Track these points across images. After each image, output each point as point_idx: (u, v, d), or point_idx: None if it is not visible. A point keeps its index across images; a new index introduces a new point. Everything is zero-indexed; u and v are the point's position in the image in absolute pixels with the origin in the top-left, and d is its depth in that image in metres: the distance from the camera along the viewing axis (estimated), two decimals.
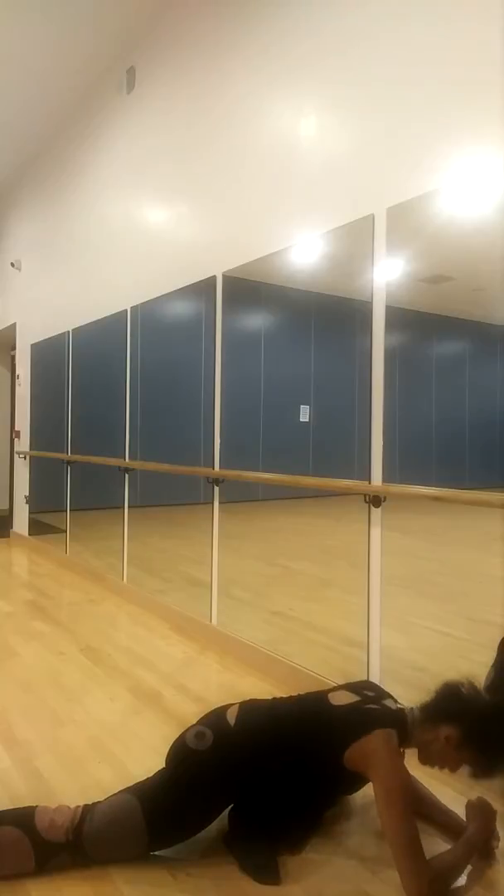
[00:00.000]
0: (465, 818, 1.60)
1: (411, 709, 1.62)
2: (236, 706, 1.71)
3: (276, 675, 2.73)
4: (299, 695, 1.81)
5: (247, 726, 1.63)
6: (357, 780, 1.60)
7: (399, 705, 1.67)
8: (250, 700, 1.76)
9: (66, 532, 5.11)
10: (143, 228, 4.03)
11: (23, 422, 6.22)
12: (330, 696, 1.70)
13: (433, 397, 2.16)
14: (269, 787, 1.58)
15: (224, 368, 3.20)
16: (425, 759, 1.56)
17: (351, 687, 1.75)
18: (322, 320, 2.68)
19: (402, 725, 1.57)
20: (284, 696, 1.86)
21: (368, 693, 1.71)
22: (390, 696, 1.73)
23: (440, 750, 1.52)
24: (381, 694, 1.73)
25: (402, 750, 1.55)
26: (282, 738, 1.61)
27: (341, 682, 2.40)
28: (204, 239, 3.40)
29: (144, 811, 1.52)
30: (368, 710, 1.64)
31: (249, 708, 1.70)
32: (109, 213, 4.51)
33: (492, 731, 1.47)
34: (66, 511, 5.11)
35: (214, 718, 1.67)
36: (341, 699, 1.68)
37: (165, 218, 3.79)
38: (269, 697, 1.86)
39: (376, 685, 1.79)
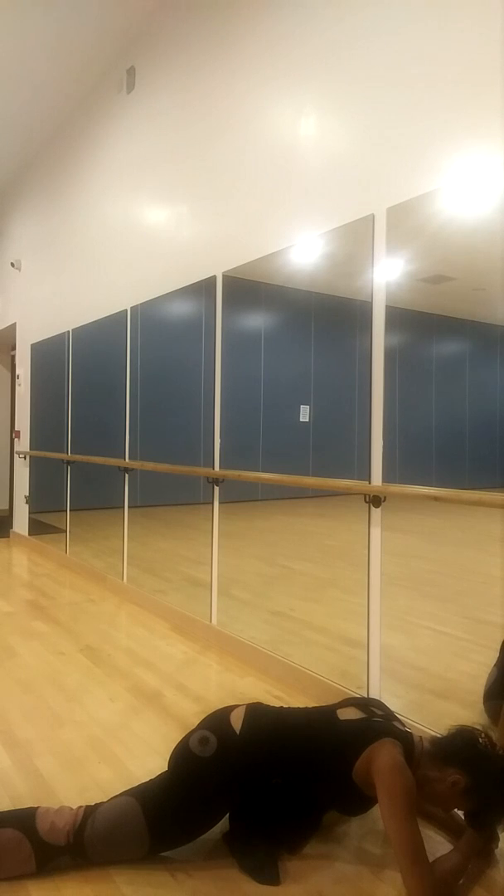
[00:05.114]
0: (464, 818, 1.60)
1: (420, 738, 1.62)
2: (242, 709, 1.69)
3: (275, 674, 2.73)
4: (307, 707, 1.80)
5: (252, 735, 1.62)
6: (365, 801, 1.58)
7: (406, 729, 1.66)
8: (257, 704, 1.74)
9: (66, 532, 5.11)
10: (143, 228, 4.03)
11: (23, 422, 6.22)
12: (339, 711, 1.69)
13: (433, 397, 2.16)
14: (272, 796, 1.58)
15: (224, 368, 3.20)
16: (422, 794, 1.53)
17: (360, 703, 1.74)
18: (322, 320, 2.68)
19: (408, 747, 1.55)
20: (292, 705, 1.84)
21: (377, 711, 1.71)
22: (398, 719, 1.73)
23: (442, 791, 1.51)
24: (390, 714, 1.73)
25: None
26: (288, 751, 1.60)
27: (341, 682, 2.42)
28: (204, 239, 3.40)
29: (146, 814, 1.51)
30: (376, 722, 1.64)
31: (256, 715, 1.68)
32: (109, 213, 4.50)
33: (501, 791, 1.46)
34: (66, 511, 5.11)
35: (218, 722, 1.65)
36: (349, 714, 1.67)
37: (165, 218, 3.79)
38: (276, 704, 1.85)
39: (385, 705, 1.78)
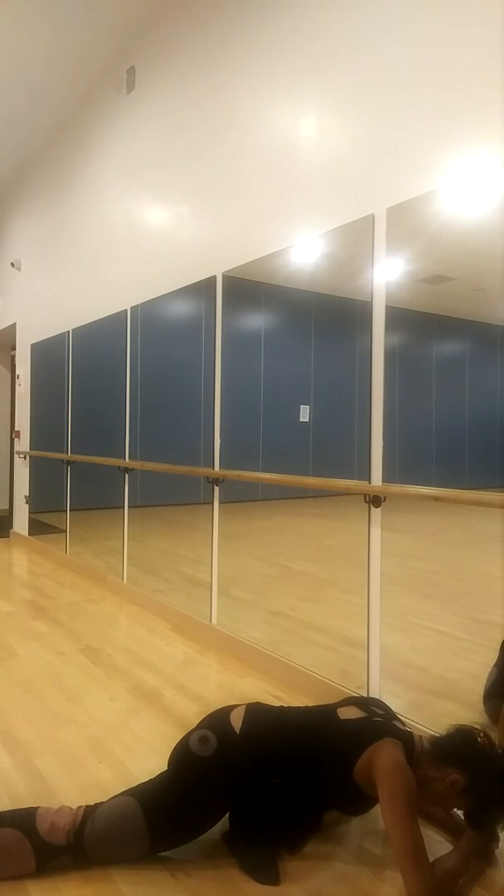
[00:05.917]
0: (463, 818, 1.60)
1: (420, 737, 1.62)
2: (242, 709, 1.69)
3: (275, 674, 2.73)
4: (307, 707, 1.80)
5: (252, 734, 1.62)
6: (366, 800, 1.58)
7: (407, 728, 1.66)
8: (256, 704, 1.74)
9: (66, 532, 5.11)
10: (143, 228, 4.03)
11: (23, 422, 6.22)
12: (339, 710, 1.69)
13: (433, 397, 2.16)
14: (272, 795, 1.58)
15: (224, 368, 3.20)
16: (421, 794, 1.53)
17: (360, 703, 1.74)
18: (322, 320, 2.68)
19: (409, 746, 1.55)
20: (292, 705, 1.84)
21: (377, 710, 1.71)
22: (398, 718, 1.73)
23: (442, 791, 1.51)
24: (390, 714, 1.73)
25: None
26: (288, 750, 1.60)
27: (341, 681, 2.42)
28: (204, 239, 3.40)
29: (146, 814, 1.51)
30: (377, 722, 1.63)
31: (256, 715, 1.68)
32: (109, 213, 4.51)
33: (500, 790, 1.46)
34: (66, 511, 5.11)
35: (218, 722, 1.65)
36: (349, 714, 1.67)
37: (165, 218, 3.79)
38: (276, 704, 1.85)
39: (385, 704, 1.78)
